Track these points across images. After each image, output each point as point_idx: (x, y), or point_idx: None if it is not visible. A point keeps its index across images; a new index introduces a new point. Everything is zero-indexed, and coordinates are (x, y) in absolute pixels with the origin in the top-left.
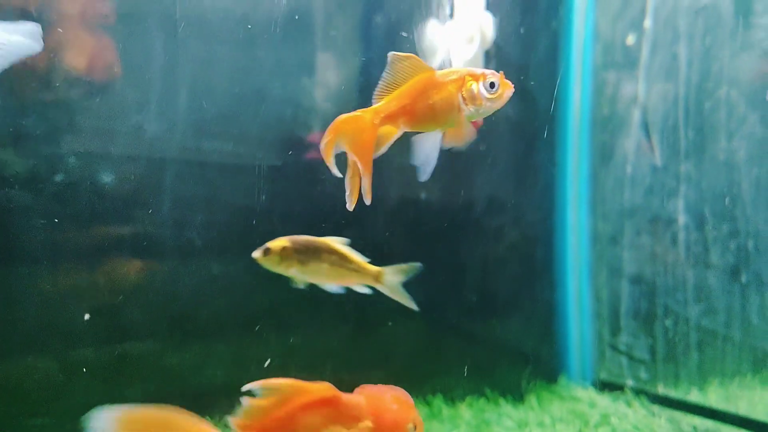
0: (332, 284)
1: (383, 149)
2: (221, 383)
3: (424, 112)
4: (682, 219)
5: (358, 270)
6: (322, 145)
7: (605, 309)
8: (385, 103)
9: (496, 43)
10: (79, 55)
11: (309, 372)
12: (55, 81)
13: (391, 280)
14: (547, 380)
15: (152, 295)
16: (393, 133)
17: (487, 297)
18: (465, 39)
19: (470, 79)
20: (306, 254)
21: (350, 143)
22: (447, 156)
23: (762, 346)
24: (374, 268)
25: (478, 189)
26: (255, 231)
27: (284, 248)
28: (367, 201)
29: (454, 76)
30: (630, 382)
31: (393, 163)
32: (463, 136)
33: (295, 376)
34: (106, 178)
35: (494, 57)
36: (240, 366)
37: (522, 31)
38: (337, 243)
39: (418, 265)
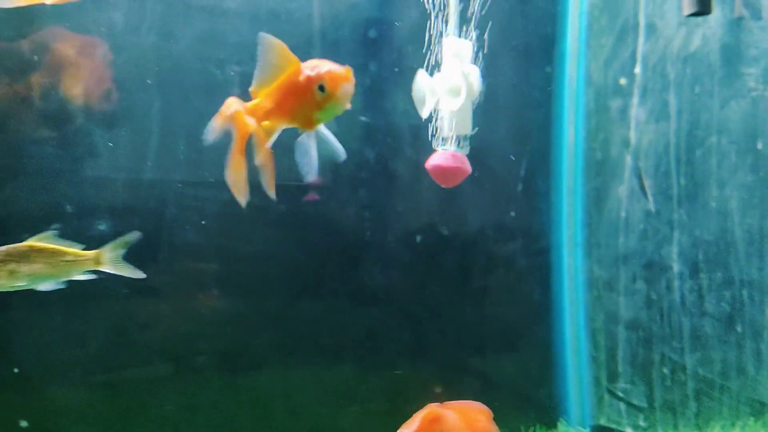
0: (50, 282)
1: (269, 143)
2: None
3: (289, 112)
4: (676, 266)
5: (75, 260)
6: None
7: (603, 354)
8: (260, 102)
9: (488, 90)
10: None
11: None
12: None
13: (110, 256)
14: (547, 425)
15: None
16: (272, 129)
17: (483, 338)
18: (451, 91)
19: (309, 83)
20: (16, 261)
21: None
22: (442, 198)
23: (759, 398)
24: (91, 253)
25: (473, 231)
26: None
27: None
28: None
29: (302, 77)
30: (628, 430)
31: (389, 207)
32: (317, 140)
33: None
34: None
35: (485, 104)
36: None
37: (515, 75)
38: (44, 240)
39: (135, 233)
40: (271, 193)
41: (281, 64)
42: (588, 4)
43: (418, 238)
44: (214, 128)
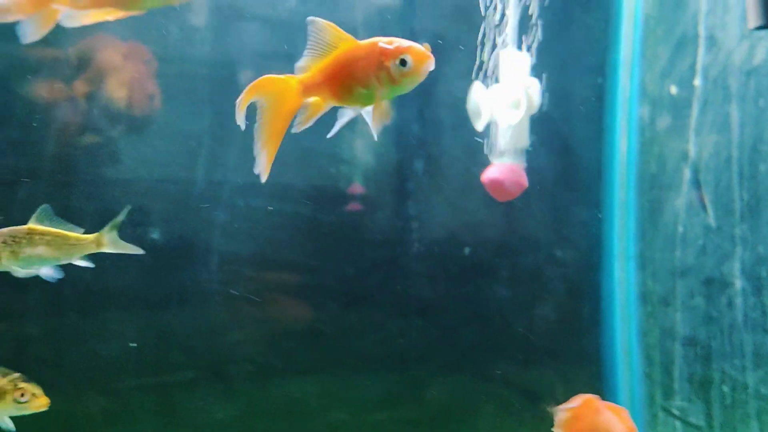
0: (50, 267)
1: (309, 123)
2: None
3: (344, 87)
4: (738, 282)
5: (77, 243)
6: (239, 98)
7: (657, 370)
8: (310, 74)
9: (542, 104)
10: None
11: None
12: None
13: (110, 237)
14: None
15: None
16: (319, 106)
17: (532, 351)
18: (510, 104)
19: (384, 57)
20: (17, 243)
21: (271, 105)
22: (491, 210)
23: None
24: (91, 236)
25: (523, 242)
26: None
27: None
28: (262, 177)
29: (370, 51)
30: None
31: (436, 219)
32: (380, 116)
33: None
34: None
35: (538, 116)
36: None
37: (567, 86)
38: (43, 217)
39: (126, 208)
40: (264, 175)
41: (335, 42)
42: (643, 14)
43: (467, 251)
44: (243, 102)
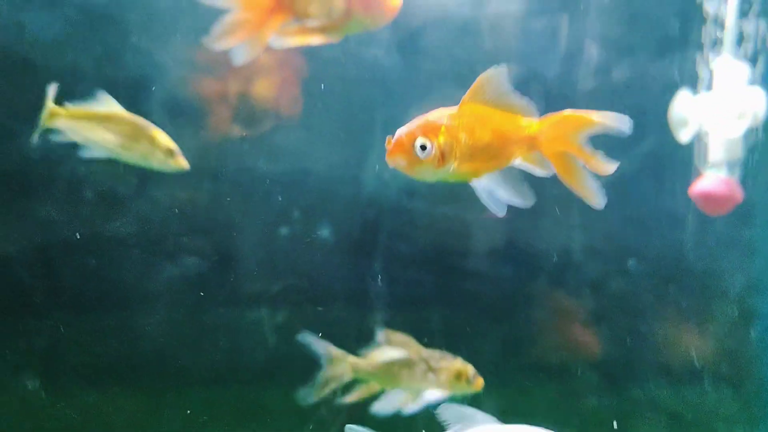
0: None
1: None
2: None
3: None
4: None
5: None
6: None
7: None
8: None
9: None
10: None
11: None
12: None
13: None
14: None
15: None
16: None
17: (700, 374)
18: (734, 114)
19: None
20: None
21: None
22: (658, 223)
23: None
24: None
25: (689, 261)
26: None
27: None
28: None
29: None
30: None
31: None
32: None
33: None
34: None
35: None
36: None
37: None
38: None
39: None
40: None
41: (499, 104)
42: None
43: (630, 263)
44: None
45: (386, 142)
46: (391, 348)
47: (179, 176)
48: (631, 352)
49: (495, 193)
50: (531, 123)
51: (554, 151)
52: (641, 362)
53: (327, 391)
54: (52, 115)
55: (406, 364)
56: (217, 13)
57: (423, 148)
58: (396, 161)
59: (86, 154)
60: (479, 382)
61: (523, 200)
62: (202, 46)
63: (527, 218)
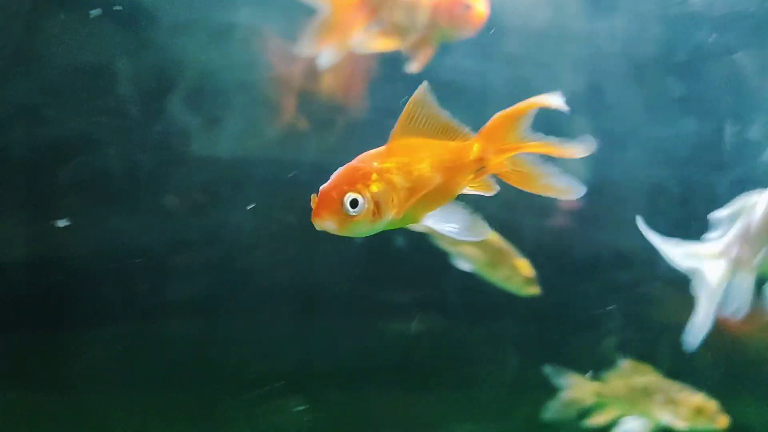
0: None
1: None
2: None
3: None
4: None
5: None
6: None
7: None
8: None
9: None
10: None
11: None
12: None
13: None
14: None
15: None
16: None
17: None
18: None
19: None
20: None
21: None
22: None
23: None
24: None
25: None
26: None
27: None
28: None
29: None
30: None
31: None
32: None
33: None
34: None
35: None
36: None
37: None
38: None
39: None
40: None
41: (433, 131)
42: None
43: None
44: None
45: (311, 200)
46: (632, 375)
47: None
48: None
49: (446, 232)
50: (471, 144)
51: (504, 162)
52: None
53: (569, 411)
54: None
55: (647, 392)
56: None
57: (354, 204)
58: (323, 224)
59: (458, 265)
60: (723, 420)
61: (476, 234)
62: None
63: None
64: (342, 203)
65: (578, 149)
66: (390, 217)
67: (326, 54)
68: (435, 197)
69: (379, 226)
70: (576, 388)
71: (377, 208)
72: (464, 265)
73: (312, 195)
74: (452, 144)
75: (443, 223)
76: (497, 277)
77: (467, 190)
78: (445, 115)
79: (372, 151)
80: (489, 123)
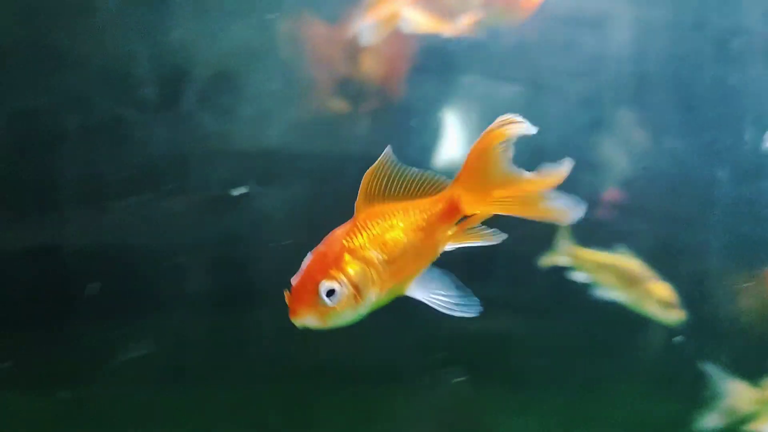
0: None
1: None
2: None
3: None
4: None
5: None
6: None
7: None
8: None
9: None
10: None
11: None
12: None
13: None
14: None
15: None
16: None
17: None
18: None
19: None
20: None
21: None
22: None
23: None
24: None
25: None
26: None
27: None
28: None
29: None
30: None
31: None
32: None
33: None
34: None
35: None
36: None
37: None
38: None
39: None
40: None
41: (400, 192)
42: None
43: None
44: None
45: (285, 297)
46: None
47: None
48: None
49: (435, 299)
50: (443, 195)
51: (486, 201)
52: None
53: (731, 418)
54: (570, 254)
55: None
56: None
57: (331, 293)
58: (303, 320)
59: (598, 293)
60: None
61: (469, 309)
62: None
63: None
64: (318, 295)
65: (560, 173)
66: (374, 297)
67: (369, 27)
68: (417, 261)
69: (365, 308)
70: (737, 395)
71: (357, 291)
72: (604, 293)
73: (284, 291)
74: (423, 201)
75: (434, 296)
76: (635, 302)
77: (470, 243)
78: (411, 173)
79: (338, 230)
80: (462, 167)
